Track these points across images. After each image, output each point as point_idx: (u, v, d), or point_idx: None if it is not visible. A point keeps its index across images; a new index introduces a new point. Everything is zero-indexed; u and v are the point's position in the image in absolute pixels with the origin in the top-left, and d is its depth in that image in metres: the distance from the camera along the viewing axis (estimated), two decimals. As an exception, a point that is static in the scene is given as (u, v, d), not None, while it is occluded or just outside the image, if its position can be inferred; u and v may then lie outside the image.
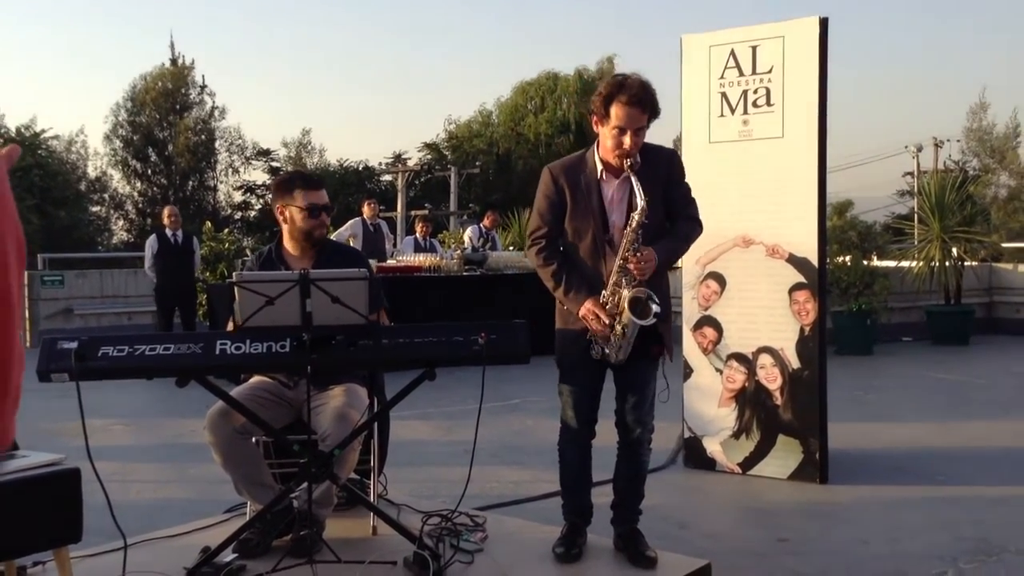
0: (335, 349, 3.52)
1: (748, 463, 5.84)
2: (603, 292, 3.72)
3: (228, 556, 3.71)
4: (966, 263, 13.21)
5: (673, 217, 3.87)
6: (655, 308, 3.59)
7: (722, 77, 5.81)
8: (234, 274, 3.51)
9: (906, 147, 34.83)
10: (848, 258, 11.66)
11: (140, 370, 3.51)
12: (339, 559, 3.63)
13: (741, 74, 5.75)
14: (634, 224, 3.63)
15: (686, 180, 3.95)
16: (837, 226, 11.85)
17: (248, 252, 13.00)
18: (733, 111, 5.79)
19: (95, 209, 35.50)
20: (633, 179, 3.64)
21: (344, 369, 3.97)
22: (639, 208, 3.61)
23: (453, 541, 3.97)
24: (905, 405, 8.43)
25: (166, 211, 11.81)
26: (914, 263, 12.92)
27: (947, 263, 12.66)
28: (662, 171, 3.82)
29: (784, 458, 5.73)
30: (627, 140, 3.62)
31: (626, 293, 3.63)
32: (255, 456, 3.98)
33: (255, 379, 4.11)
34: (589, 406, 3.92)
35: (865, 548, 4.61)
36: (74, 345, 3.43)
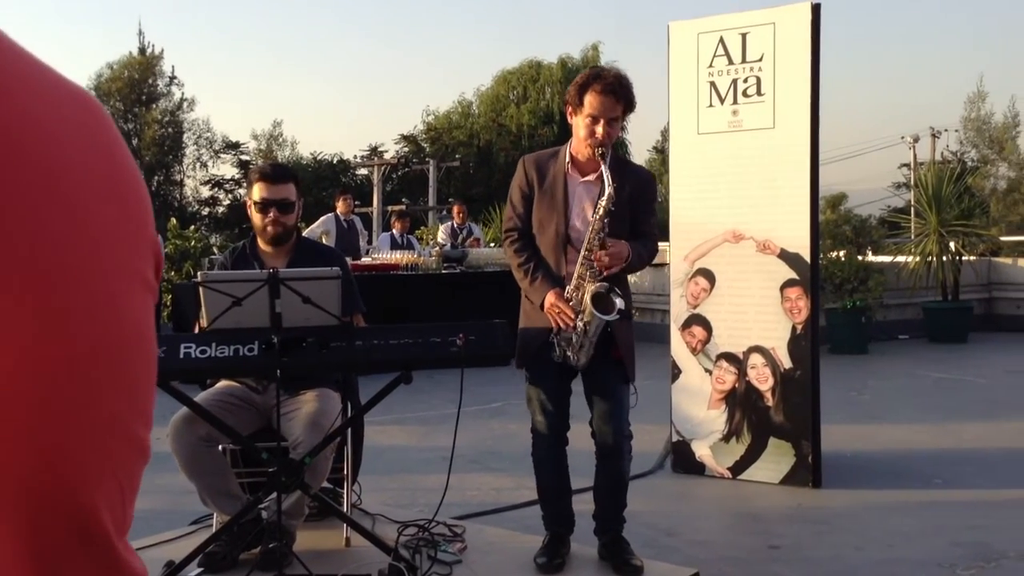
0: (306, 352, 3.35)
1: (739, 467, 5.67)
2: (567, 287, 3.62)
3: (193, 571, 3.56)
4: (964, 258, 13.03)
5: (634, 235, 3.76)
6: (618, 303, 3.45)
7: (711, 66, 5.64)
8: (199, 273, 3.33)
9: (902, 138, 34.66)
10: (842, 253, 11.47)
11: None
12: (310, 573, 3.46)
13: (731, 62, 5.58)
14: (601, 211, 3.52)
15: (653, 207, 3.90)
16: (830, 220, 11.65)
17: (216, 250, 12.67)
18: (722, 101, 5.62)
19: None
20: (603, 167, 3.54)
21: (316, 373, 3.79)
22: (607, 194, 3.51)
23: (430, 552, 3.81)
24: (901, 405, 8.25)
25: None
26: (910, 258, 12.73)
27: (944, 258, 12.46)
28: (634, 188, 3.74)
29: (776, 462, 5.56)
30: (600, 129, 3.56)
31: (589, 288, 3.51)
32: (221, 465, 3.80)
33: (222, 384, 3.93)
34: (558, 411, 3.79)
35: (859, 555, 4.46)
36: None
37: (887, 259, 12.90)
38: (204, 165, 36.88)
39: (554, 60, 38.12)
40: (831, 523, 4.94)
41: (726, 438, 5.70)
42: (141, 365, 0.65)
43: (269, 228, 3.95)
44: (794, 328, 5.50)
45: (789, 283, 5.49)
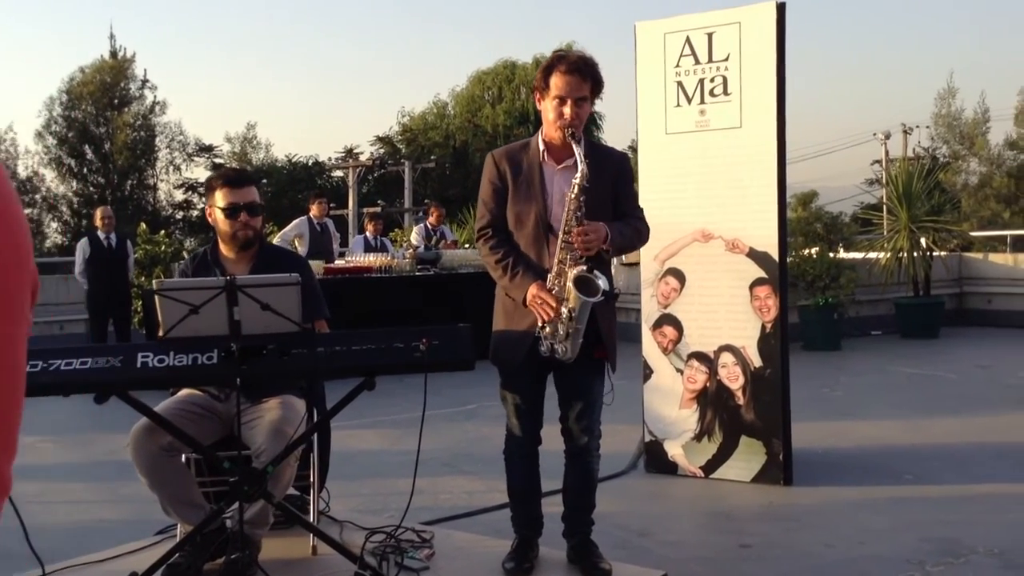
0: (266, 359, 3.31)
1: (711, 466, 5.66)
2: (548, 275, 3.55)
3: (157, 582, 3.50)
4: (935, 253, 13.09)
5: (621, 218, 3.72)
6: (602, 284, 3.41)
7: (678, 65, 5.62)
8: (154, 281, 3.28)
9: (874, 134, 34.79)
10: (814, 251, 11.49)
11: (54, 386, 3.27)
12: (274, 583, 3.43)
13: (697, 62, 5.57)
14: (575, 190, 3.47)
15: (635, 187, 3.86)
16: (802, 217, 11.67)
17: (186, 255, 12.51)
18: (690, 101, 5.60)
19: (26, 211, 34.52)
20: (575, 146, 3.50)
21: (277, 380, 3.74)
22: (580, 171, 3.46)
23: (397, 559, 3.76)
24: (873, 401, 8.27)
25: (99, 212, 11.32)
26: (882, 254, 12.78)
27: (915, 254, 12.52)
28: (611, 169, 3.70)
29: (747, 460, 5.56)
30: (567, 110, 3.53)
31: (571, 273, 3.45)
32: (183, 475, 3.75)
33: (184, 392, 3.88)
34: (533, 413, 3.75)
35: (830, 552, 4.46)
36: (-18, 361, 3.18)
37: (859, 256, 12.94)
38: (177, 168, 36.55)
39: (529, 60, 38.02)
40: (802, 520, 4.94)
41: (698, 437, 5.69)
42: (6, 395, 0.62)
43: (240, 233, 3.90)
44: (763, 327, 5.49)
45: (758, 282, 5.49)
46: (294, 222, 12.12)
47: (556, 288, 3.52)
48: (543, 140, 3.70)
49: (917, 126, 34.18)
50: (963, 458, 6.14)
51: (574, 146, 3.50)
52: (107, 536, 4.51)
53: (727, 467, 5.61)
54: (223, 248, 3.99)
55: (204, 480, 3.92)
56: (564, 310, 3.48)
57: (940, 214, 12.78)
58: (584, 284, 3.43)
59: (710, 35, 5.52)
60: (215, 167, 35.24)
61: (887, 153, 33.56)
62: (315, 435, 4.02)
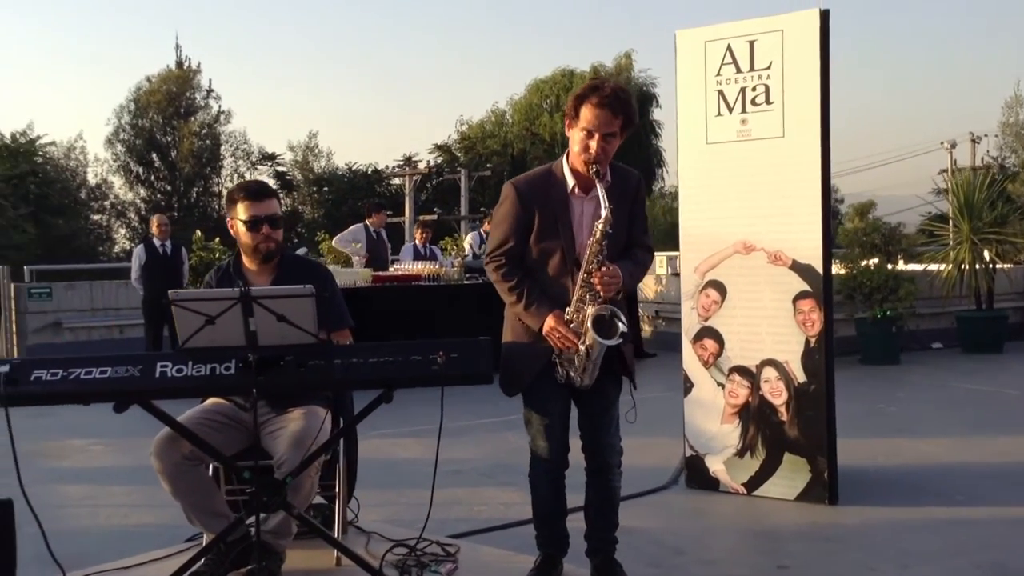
0: (284, 370, 3.28)
1: (753, 483, 5.53)
2: (567, 310, 3.47)
3: (178, 590, 3.50)
4: (999, 266, 12.73)
5: (630, 244, 3.65)
6: (621, 327, 3.34)
7: (719, 74, 5.52)
8: (170, 292, 3.27)
9: (941, 143, 34.03)
10: (872, 262, 11.23)
11: (75, 395, 3.29)
12: (291, 595, 3.40)
13: (739, 71, 5.46)
14: (598, 234, 3.38)
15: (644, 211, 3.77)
16: (858, 228, 11.42)
17: None
18: (731, 110, 5.50)
19: (96, 217, 35.05)
20: (599, 186, 3.39)
21: (294, 391, 3.72)
22: (603, 217, 3.37)
23: (419, 572, 3.71)
24: (930, 418, 8.05)
25: (155, 220, 11.52)
26: (943, 266, 12.46)
27: (978, 266, 12.19)
28: (630, 193, 3.62)
29: (791, 478, 5.42)
30: (594, 144, 3.40)
31: (590, 311, 3.38)
32: (206, 484, 3.75)
33: (210, 401, 3.88)
34: (560, 434, 3.64)
35: (872, 575, 4.31)
36: (5, 369, 3.22)
37: (919, 268, 12.63)
38: (241, 176, 37.05)
39: (587, 68, 37.99)
40: (845, 541, 4.80)
41: (740, 453, 5.57)
42: None
43: (262, 245, 3.91)
44: (808, 341, 5.35)
45: (801, 295, 5.35)
46: (352, 228, 12.23)
47: (574, 323, 3.44)
48: (570, 169, 3.56)
49: (985, 135, 33.44)
50: (1018, 479, 5.94)
51: (598, 186, 3.38)
52: (145, 541, 4.55)
53: (770, 485, 5.48)
54: (245, 260, 3.99)
55: (231, 489, 3.92)
56: (582, 348, 3.42)
57: (1005, 225, 12.40)
58: (602, 325, 3.36)
59: (752, 43, 5.40)
60: (278, 175, 35.70)
61: (953, 162, 32.80)
62: (341, 445, 4.01)
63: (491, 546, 4.41)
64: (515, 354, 3.59)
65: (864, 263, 11.31)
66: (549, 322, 3.45)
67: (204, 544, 3.79)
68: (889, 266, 11.42)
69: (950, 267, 12.29)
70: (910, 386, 9.89)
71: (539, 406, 3.63)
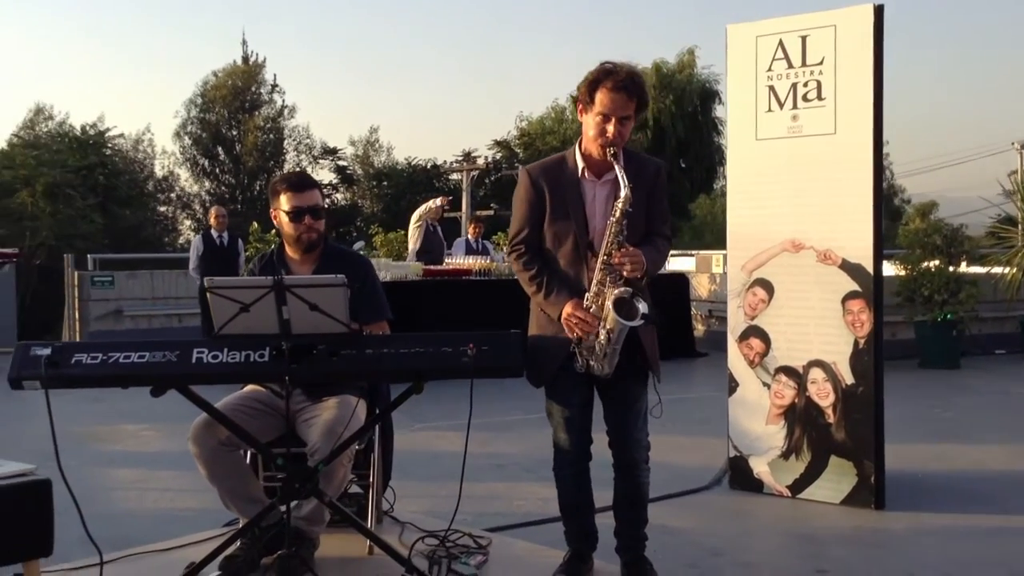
0: (316, 359, 3.31)
1: (798, 486, 5.45)
2: (586, 295, 3.46)
3: (212, 573, 3.55)
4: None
5: (649, 232, 3.60)
6: (642, 308, 3.31)
7: (770, 69, 5.44)
8: (205, 279, 3.32)
9: (1012, 144, 33.22)
10: (932, 264, 11.01)
11: (114, 379, 3.35)
12: (319, 580, 3.44)
13: (790, 66, 5.38)
14: (618, 213, 3.37)
15: (665, 202, 3.72)
16: (919, 229, 11.19)
17: None
18: (782, 105, 5.42)
19: (162, 208, 35.57)
20: (616, 167, 3.40)
21: (325, 380, 3.75)
22: (623, 196, 3.36)
23: (450, 564, 3.73)
24: (987, 424, 7.87)
25: (213, 211, 11.77)
26: (1007, 269, 12.16)
27: (1041, 270, 11.87)
28: (648, 180, 3.58)
29: (837, 481, 5.33)
30: (611, 128, 3.42)
31: (610, 293, 3.36)
32: (242, 469, 3.80)
33: (249, 387, 3.94)
34: (581, 426, 3.63)
35: (911, 582, 4.24)
36: (47, 352, 3.28)
37: (983, 270, 12.33)
38: (303, 170, 37.40)
39: (648, 64, 37.60)
40: (887, 547, 4.72)
41: (785, 455, 5.50)
42: None
43: (304, 236, 3.97)
44: (856, 342, 5.26)
45: (851, 295, 5.27)
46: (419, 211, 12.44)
47: (594, 307, 3.43)
48: (581, 154, 3.58)
49: (1059, 136, 32.46)
50: (1073, 489, 5.79)
51: (616, 167, 3.39)
52: (188, 524, 4.62)
53: (815, 488, 5.40)
54: (288, 250, 4.05)
55: (268, 475, 3.97)
56: (602, 332, 3.39)
57: (1074, 227, 12.08)
58: (623, 307, 3.34)
59: (804, 38, 5.32)
60: (338, 170, 35.93)
61: (1023, 162, 31.96)
62: (376, 435, 4.03)
63: (525, 540, 4.40)
64: (538, 346, 3.57)
65: (924, 265, 11.08)
66: (567, 309, 3.45)
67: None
68: (951, 268, 11.17)
69: (1014, 270, 11.99)
70: (968, 391, 9.68)
71: (560, 398, 3.63)
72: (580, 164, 3.57)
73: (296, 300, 3.23)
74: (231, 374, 3.38)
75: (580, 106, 3.55)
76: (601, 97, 3.42)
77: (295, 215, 3.92)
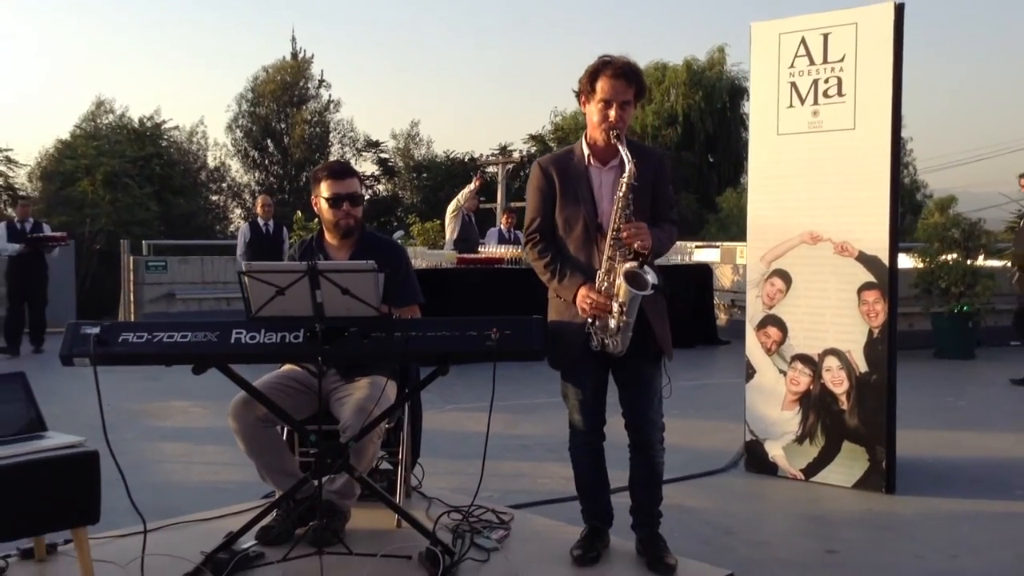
0: (348, 341, 3.48)
1: (811, 469, 5.61)
2: (598, 273, 3.63)
3: (248, 542, 3.75)
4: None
5: (655, 217, 3.76)
6: (651, 279, 3.48)
7: (792, 66, 5.58)
8: (244, 264, 3.52)
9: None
10: (950, 257, 11.09)
11: (158, 356, 3.53)
12: (350, 551, 3.63)
13: (812, 63, 5.51)
14: (624, 188, 3.54)
15: (670, 189, 3.89)
16: (938, 223, 11.26)
17: None
18: (803, 101, 5.56)
19: (214, 198, 36.15)
20: (620, 147, 3.57)
21: (357, 360, 3.94)
22: (628, 170, 3.53)
23: (473, 537, 3.91)
24: (998, 413, 7.97)
25: (260, 200, 12.05)
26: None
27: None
28: (651, 168, 3.74)
29: (849, 466, 5.49)
30: (612, 113, 3.61)
31: (621, 268, 3.52)
32: (278, 444, 4.00)
33: (286, 367, 4.14)
34: (595, 407, 3.82)
35: (917, 563, 4.38)
36: (96, 331, 3.48)
37: (999, 264, 12.38)
38: (344, 160, 37.71)
39: (679, 62, 37.68)
40: (897, 530, 4.86)
41: (799, 439, 5.65)
42: None
43: (342, 222, 4.15)
44: (871, 332, 5.41)
45: (866, 286, 5.41)
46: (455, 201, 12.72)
47: (606, 285, 3.58)
48: (587, 144, 3.77)
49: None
50: (1082, 477, 5.90)
51: (620, 147, 3.56)
52: (230, 496, 4.84)
53: (828, 471, 5.56)
54: (327, 236, 4.24)
55: (303, 450, 4.17)
56: (615, 304, 3.54)
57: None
58: (634, 279, 3.49)
59: (826, 36, 5.45)
60: (380, 162, 36.37)
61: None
62: (406, 414, 4.22)
63: (546, 517, 4.58)
64: (555, 331, 3.73)
65: (942, 258, 11.15)
66: (581, 291, 3.62)
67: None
68: (968, 262, 11.23)
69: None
70: (982, 381, 9.78)
71: (575, 380, 3.80)
72: (586, 152, 3.76)
73: (329, 284, 3.41)
74: (268, 354, 3.57)
75: (583, 98, 3.73)
76: (602, 84, 3.61)
77: (334, 201, 4.11)
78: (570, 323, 3.71)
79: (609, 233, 3.59)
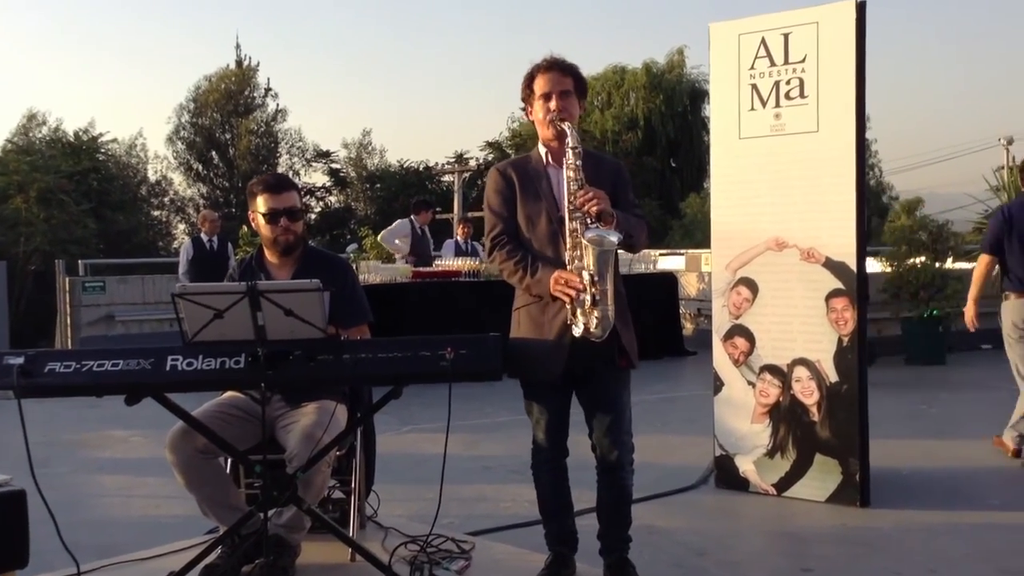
0: (293, 365, 3.27)
1: (783, 484, 5.44)
2: (565, 252, 3.49)
3: (192, 582, 3.51)
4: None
5: None
6: (613, 238, 3.35)
7: (752, 68, 5.42)
8: (176, 286, 3.29)
9: (999, 139, 33.26)
10: (918, 260, 11.01)
11: (87, 387, 3.31)
12: (300, 589, 3.40)
13: (772, 64, 5.36)
14: (570, 156, 3.45)
15: (632, 194, 3.79)
16: (905, 226, 11.18)
17: None
18: (764, 104, 5.40)
19: (156, 213, 35.59)
20: (565, 127, 3.50)
21: (303, 385, 3.71)
22: (570, 135, 3.47)
23: (432, 569, 3.70)
24: (970, 420, 7.86)
25: (202, 216, 11.74)
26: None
27: (1026, 265, 11.84)
28: (608, 173, 3.65)
29: (822, 479, 5.32)
30: (554, 103, 3.58)
31: (585, 236, 3.37)
32: (221, 477, 3.76)
33: (228, 394, 3.90)
34: (560, 425, 3.66)
35: (896, 580, 4.22)
36: (20, 360, 3.24)
37: (969, 266, 12.33)
38: (296, 174, 37.19)
39: (639, 65, 37.66)
40: (873, 545, 4.71)
41: (770, 453, 5.48)
42: None
43: (280, 238, 3.92)
44: (840, 340, 5.25)
45: (835, 293, 5.25)
46: (397, 222, 12.28)
47: (575, 261, 3.43)
48: (543, 147, 3.70)
49: (1044, 130, 32.53)
50: (1058, 484, 5.78)
51: (566, 128, 3.50)
52: (173, 531, 4.58)
53: (801, 486, 5.39)
54: (267, 254, 4.01)
55: (249, 482, 3.93)
56: (586, 276, 3.38)
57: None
58: (598, 240, 3.36)
59: (786, 36, 5.31)
60: (332, 173, 35.92)
61: (1012, 159, 32.00)
62: (359, 440, 4.00)
63: (510, 543, 4.38)
64: (526, 349, 3.57)
65: (910, 261, 11.08)
66: (555, 275, 3.45)
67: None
68: (936, 265, 11.17)
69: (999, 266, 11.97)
70: (954, 387, 9.70)
71: (538, 396, 3.66)
72: (543, 153, 3.69)
73: (271, 305, 3.19)
74: (206, 381, 3.35)
75: (527, 106, 3.72)
76: (539, 81, 3.63)
77: (271, 217, 3.88)
78: (546, 340, 3.54)
79: (566, 205, 3.47)
